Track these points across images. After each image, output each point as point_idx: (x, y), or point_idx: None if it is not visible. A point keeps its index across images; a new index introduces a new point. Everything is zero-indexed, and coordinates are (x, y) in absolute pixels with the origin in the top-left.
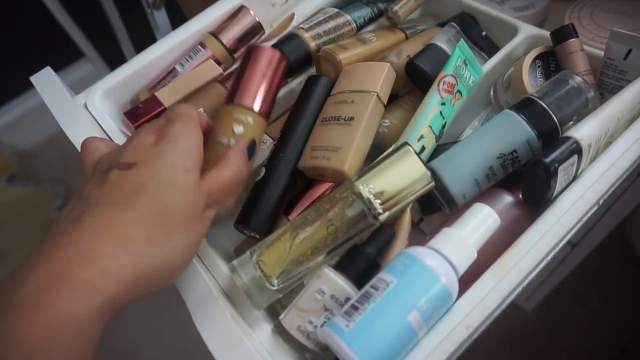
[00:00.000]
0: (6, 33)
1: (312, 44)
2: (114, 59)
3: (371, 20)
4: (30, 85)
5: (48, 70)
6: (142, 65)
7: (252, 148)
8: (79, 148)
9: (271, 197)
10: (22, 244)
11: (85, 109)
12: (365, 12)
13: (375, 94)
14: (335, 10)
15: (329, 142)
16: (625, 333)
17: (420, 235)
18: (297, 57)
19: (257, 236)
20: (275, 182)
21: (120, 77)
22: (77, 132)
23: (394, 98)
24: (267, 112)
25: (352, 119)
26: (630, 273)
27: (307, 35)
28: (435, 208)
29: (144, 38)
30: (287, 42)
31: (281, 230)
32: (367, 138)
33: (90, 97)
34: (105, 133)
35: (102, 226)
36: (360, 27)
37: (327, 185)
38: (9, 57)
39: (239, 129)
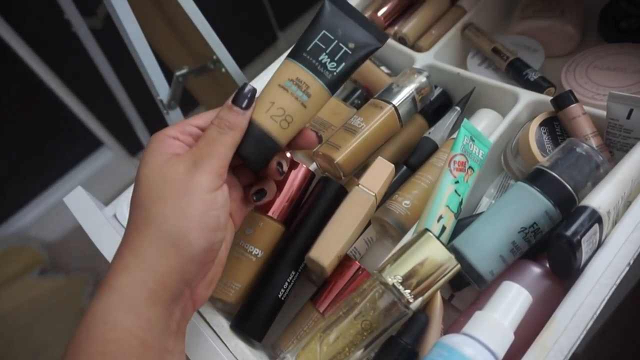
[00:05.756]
0: (24, 132)
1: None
2: (132, 145)
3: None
4: (53, 180)
5: (79, 190)
6: None
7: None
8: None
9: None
10: (58, 336)
11: (115, 219)
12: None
13: (359, 185)
14: None
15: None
16: None
17: (454, 311)
18: None
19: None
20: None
21: None
22: (107, 246)
23: (410, 175)
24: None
25: None
26: None
27: None
28: (464, 283)
29: (156, 117)
30: None
31: (313, 332)
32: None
33: (119, 208)
34: None
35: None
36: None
37: (350, 271)
38: (30, 155)
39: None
